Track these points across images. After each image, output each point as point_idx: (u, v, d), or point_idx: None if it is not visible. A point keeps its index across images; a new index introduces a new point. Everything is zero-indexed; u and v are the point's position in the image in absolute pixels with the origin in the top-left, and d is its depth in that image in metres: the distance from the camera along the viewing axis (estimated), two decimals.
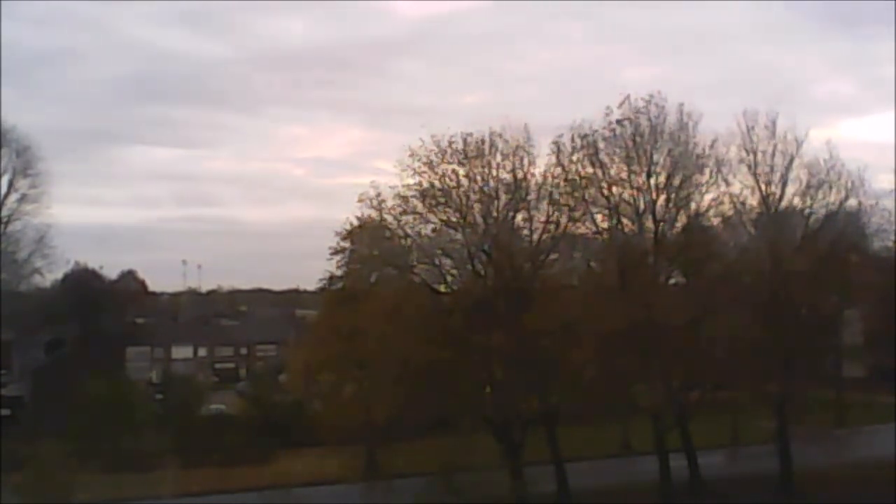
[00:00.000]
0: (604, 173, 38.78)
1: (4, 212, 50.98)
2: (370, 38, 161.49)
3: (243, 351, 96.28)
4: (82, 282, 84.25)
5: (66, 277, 79.68)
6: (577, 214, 39.05)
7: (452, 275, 39.61)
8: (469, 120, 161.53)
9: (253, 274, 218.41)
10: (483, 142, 37.80)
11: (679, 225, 40.63)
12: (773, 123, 40.80)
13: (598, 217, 39.50)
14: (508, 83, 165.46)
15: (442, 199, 37.86)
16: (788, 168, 41.19)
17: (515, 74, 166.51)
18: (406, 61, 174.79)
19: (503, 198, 38.33)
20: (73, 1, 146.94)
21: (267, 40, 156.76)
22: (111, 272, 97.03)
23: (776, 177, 41.26)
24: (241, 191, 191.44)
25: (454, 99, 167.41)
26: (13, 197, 51.22)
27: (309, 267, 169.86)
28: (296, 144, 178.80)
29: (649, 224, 39.29)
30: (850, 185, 41.55)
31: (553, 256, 40.04)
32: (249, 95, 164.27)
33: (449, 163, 37.75)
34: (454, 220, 38.05)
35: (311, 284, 58.58)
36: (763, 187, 41.32)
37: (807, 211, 42.11)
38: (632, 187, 38.94)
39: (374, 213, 38.08)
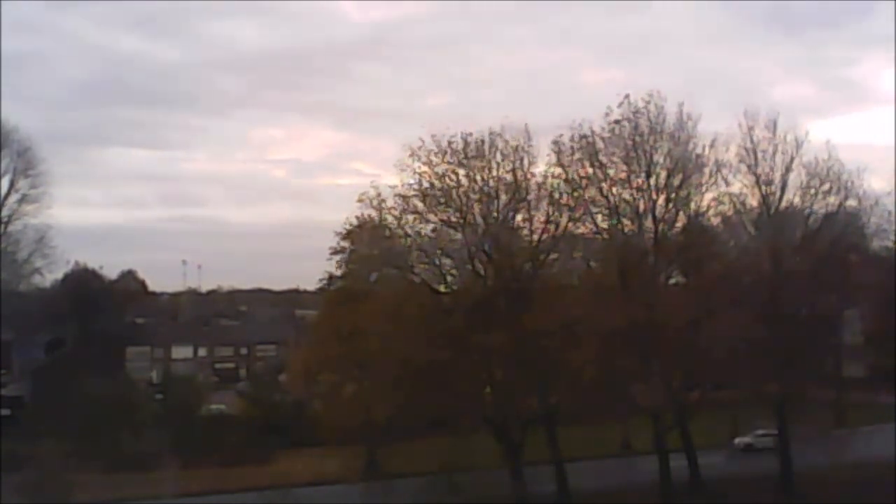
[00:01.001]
0: (604, 173, 38.78)
1: (5, 212, 51.07)
2: (326, 41, 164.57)
3: (243, 351, 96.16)
4: (82, 282, 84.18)
5: (66, 277, 79.67)
6: (577, 214, 39.09)
7: (452, 275, 39.65)
8: (436, 122, 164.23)
9: (253, 274, 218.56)
10: (483, 142, 37.89)
11: (679, 225, 40.63)
12: (774, 123, 40.87)
13: (598, 217, 39.51)
14: (469, 86, 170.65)
15: (442, 199, 37.91)
16: (788, 168, 41.22)
17: (475, 77, 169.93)
18: (365, 65, 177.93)
19: (503, 198, 38.37)
20: (31, 1, 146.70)
21: (223, 44, 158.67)
22: (111, 272, 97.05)
23: (776, 177, 41.31)
24: (223, 191, 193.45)
25: (419, 102, 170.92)
26: (14, 197, 51.33)
27: (297, 267, 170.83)
28: (271, 146, 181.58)
29: (649, 224, 39.30)
30: (849, 185, 41.63)
31: (553, 256, 40.08)
32: (216, 98, 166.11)
33: (449, 163, 37.84)
34: (454, 220, 38.08)
35: (311, 284, 58.71)
36: (763, 187, 41.34)
37: (806, 211, 42.14)
38: (632, 187, 38.95)
39: (374, 213, 38.18)
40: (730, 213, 42.16)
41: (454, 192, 37.84)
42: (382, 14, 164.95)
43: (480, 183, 38.06)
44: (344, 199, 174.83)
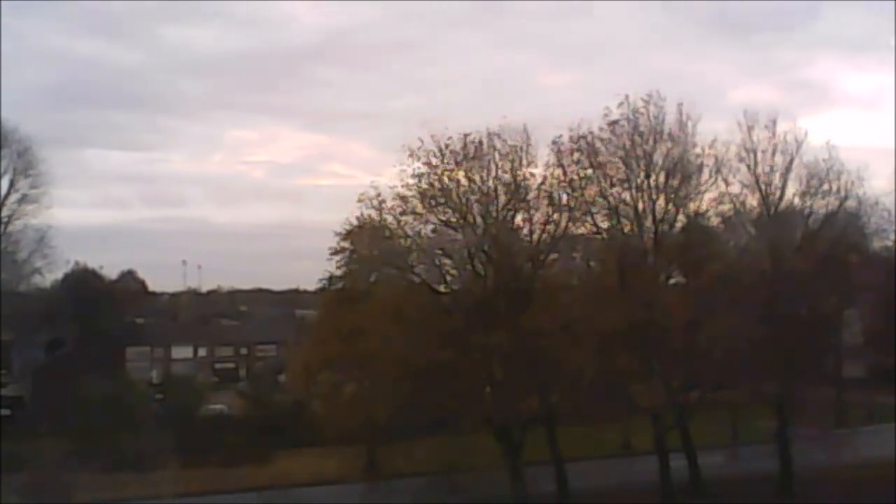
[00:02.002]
0: (603, 174, 38.78)
1: (5, 212, 51.18)
2: (285, 45, 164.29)
3: (243, 351, 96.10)
4: (82, 282, 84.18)
5: (66, 277, 79.71)
6: (576, 214, 39.07)
7: (452, 275, 39.60)
8: (405, 123, 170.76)
9: (253, 274, 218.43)
10: (482, 142, 37.82)
11: (679, 225, 40.64)
12: (773, 123, 40.89)
13: (598, 217, 39.53)
14: (432, 88, 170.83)
15: (442, 200, 37.87)
16: (788, 168, 41.25)
17: (435, 79, 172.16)
18: (326, 68, 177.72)
19: (503, 198, 38.33)
20: None
21: (182, 48, 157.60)
22: (111, 272, 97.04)
23: (776, 177, 41.32)
24: (205, 192, 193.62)
25: (384, 104, 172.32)
26: (14, 197, 51.44)
27: (291, 267, 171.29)
28: (245, 148, 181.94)
29: (649, 224, 39.30)
30: (850, 184, 41.65)
31: (553, 256, 40.05)
32: (183, 101, 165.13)
33: (448, 163, 37.79)
34: (454, 220, 38.05)
35: (310, 284, 58.74)
36: (763, 187, 41.35)
37: (807, 211, 42.16)
38: (631, 188, 38.95)
39: (373, 213, 38.17)
40: (730, 213, 42.16)
41: (453, 192, 37.82)
42: (337, 19, 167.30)
43: (480, 183, 38.03)
44: (330, 200, 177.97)
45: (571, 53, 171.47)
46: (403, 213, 37.93)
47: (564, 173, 38.69)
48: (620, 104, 38.21)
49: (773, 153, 40.97)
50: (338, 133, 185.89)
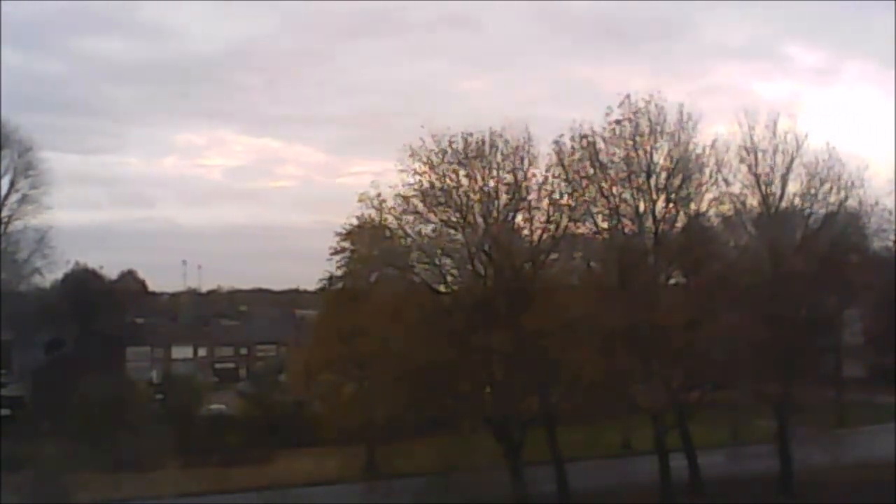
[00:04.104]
0: (604, 173, 38.77)
1: (5, 212, 51.23)
2: (195, 54, 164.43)
3: (243, 351, 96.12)
4: (82, 282, 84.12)
5: (66, 277, 79.69)
6: (577, 214, 39.07)
7: (452, 275, 39.64)
8: (348, 128, 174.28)
9: (253, 274, 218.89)
10: (483, 142, 37.85)
11: (679, 225, 40.62)
12: (774, 123, 40.86)
13: (598, 217, 39.50)
14: (356, 94, 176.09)
15: (442, 199, 37.89)
16: (788, 168, 41.22)
17: (356, 86, 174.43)
18: (245, 75, 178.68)
19: (503, 198, 38.35)
20: None
21: (96, 59, 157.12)
22: (111, 272, 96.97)
23: (776, 177, 41.30)
24: (167, 194, 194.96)
25: (316, 109, 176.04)
26: (14, 197, 51.48)
27: (276, 268, 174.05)
28: (197, 152, 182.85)
29: (649, 224, 39.27)
30: (850, 184, 41.65)
31: (553, 256, 40.04)
32: (117, 107, 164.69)
33: (449, 163, 37.79)
34: (454, 220, 38.06)
35: (309, 284, 58.77)
36: (763, 187, 41.34)
37: (807, 211, 42.12)
38: (632, 187, 38.93)
39: (374, 213, 38.19)
40: (730, 213, 42.19)
41: (454, 192, 37.83)
42: (238, 28, 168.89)
43: (481, 183, 38.05)
44: (297, 201, 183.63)
45: (477, 61, 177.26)
46: (404, 212, 38.01)
47: (565, 173, 38.70)
48: (621, 104, 38.24)
49: (773, 153, 41.01)
50: (281, 137, 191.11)
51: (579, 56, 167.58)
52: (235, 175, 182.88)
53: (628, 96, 38.25)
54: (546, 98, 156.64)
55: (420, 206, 37.88)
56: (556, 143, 38.66)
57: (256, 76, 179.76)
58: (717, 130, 40.54)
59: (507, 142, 38.04)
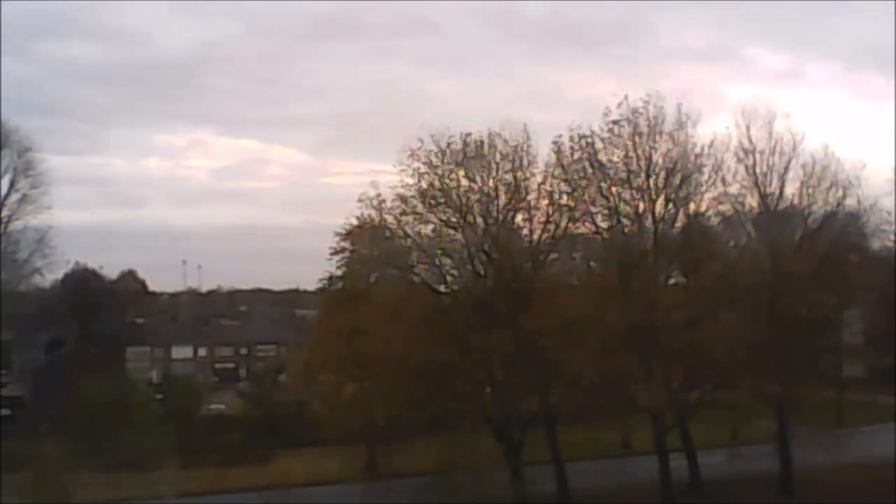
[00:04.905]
0: (603, 174, 38.79)
1: (5, 212, 51.11)
2: (163, 57, 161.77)
3: (243, 351, 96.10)
4: (82, 282, 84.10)
5: (66, 277, 79.65)
6: (577, 214, 39.10)
7: (452, 275, 39.66)
8: (326, 130, 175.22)
9: (253, 274, 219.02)
10: (482, 142, 37.88)
11: (678, 225, 40.64)
12: (771, 123, 40.90)
13: (598, 217, 39.53)
14: (331, 97, 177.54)
15: (442, 200, 37.92)
16: (787, 168, 41.28)
17: (330, 89, 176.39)
18: (215, 78, 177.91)
19: (503, 198, 38.38)
20: None
21: (65, 62, 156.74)
22: (111, 272, 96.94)
23: (775, 177, 41.36)
24: (155, 194, 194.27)
25: (293, 111, 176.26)
26: (14, 197, 51.35)
27: (275, 268, 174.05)
28: (179, 153, 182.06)
29: (649, 224, 39.28)
30: (848, 184, 41.67)
31: (553, 256, 40.07)
32: (93, 109, 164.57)
33: (449, 163, 37.82)
34: (454, 220, 38.10)
35: (310, 284, 58.78)
36: (762, 187, 41.39)
37: (806, 211, 42.16)
38: (631, 187, 38.95)
39: (373, 214, 38.21)
40: (729, 213, 42.22)
41: (454, 192, 37.86)
42: (202, 32, 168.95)
43: (480, 183, 38.09)
44: (285, 202, 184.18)
45: (443, 65, 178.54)
46: (404, 213, 38.03)
47: (565, 173, 38.72)
48: (620, 104, 38.27)
49: (772, 153, 41.04)
50: (262, 139, 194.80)
51: (542, 60, 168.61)
52: (221, 176, 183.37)
53: (626, 96, 38.36)
54: (515, 100, 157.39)
55: (419, 207, 37.91)
56: (556, 143, 38.76)
57: (226, 79, 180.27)
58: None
59: (506, 142, 38.13)
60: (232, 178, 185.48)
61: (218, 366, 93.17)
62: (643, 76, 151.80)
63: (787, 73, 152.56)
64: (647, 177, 38.80)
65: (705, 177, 39.89)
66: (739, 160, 40.85)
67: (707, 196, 40.67)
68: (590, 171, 38.69)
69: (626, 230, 39.47)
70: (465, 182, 37.94)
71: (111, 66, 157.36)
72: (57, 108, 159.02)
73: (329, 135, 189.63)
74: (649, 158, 38.66)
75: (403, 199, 37.66)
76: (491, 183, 38.12)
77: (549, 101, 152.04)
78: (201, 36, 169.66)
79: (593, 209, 39.23)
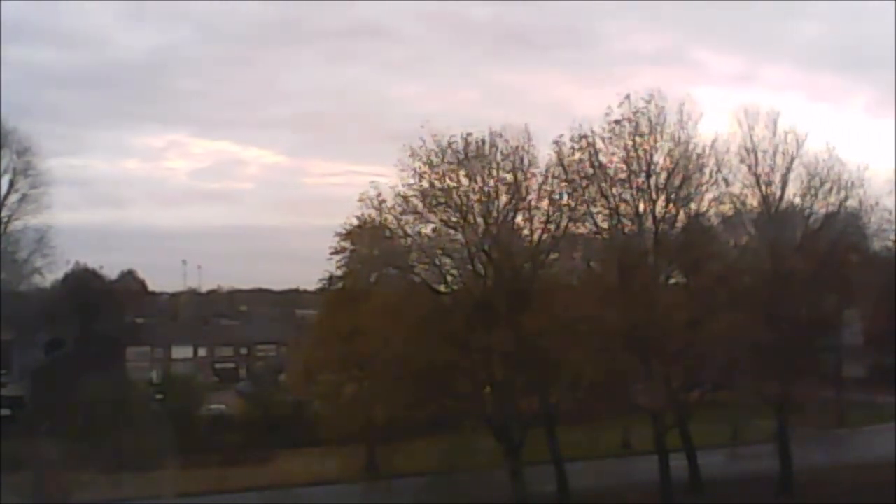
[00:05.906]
0: (604, 173, 38.78)
1: (5, 212, 51.20)
2: (122, 61, 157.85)
3: (243, 351, 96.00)
4: (82, 282, 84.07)
5: (66, 277, 79.67)
6: (576, 214, 39.08)
7: (452, 275, 39.62)
8: (301, 131, 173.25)
9: (253, 274, 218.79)
10: (483, 142, 37.85)
11: (679, 225, 40.63)
12: (774, 123, 40.93)
13: (598, 217, 39.50)
14: (296, 100, 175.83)
15: (442, 199, 37.87)
16: (789, 168, 41.29)
17: (294, 91, 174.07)
18: (184, 81, 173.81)
19: (503, 198, 38.34)
20: None
21: (25, 66, 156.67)
22: (111, 272, 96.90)
23: (776, 177, 41.36)
24: (138, 194, 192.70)
25: (262, 114, 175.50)
26: (14, 197, 51.44)
27: (275, 268, 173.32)
28: (158, 154, 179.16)
29: (649, 224, 39.26)
30: (850, 184, 41.67)
31: (553, 256, 40.05)
32: (63, 111, 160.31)
33: (449, 163, 37.78)
34: (454, 220, 38.05)
35: (310, 284, 58.74)
36: (763, 187, 41.39)
37: (807, 211, 42.18)
38: (632, 187, 38.94)
39: (374, 213, 38.19)
40: (730, 213, 42.22)
41: (454, 192, 37.81)
42: (154, 37, 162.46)
43: (480, 183, 38.05)
44: (266, 202, 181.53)
45: (400, 68, 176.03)
46: (404, 212, 37.99)
47: (565, 173, 38.71)
48: (621, 104, 38.25)
49: (774, 153, 41.04)
50: (237, 140, 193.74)
51: (499, 64, 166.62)
52: (200, 176, 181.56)
53: (628, 96, 38.33)
54: (480, 103, 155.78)
55: (420, 207, 37.87)
56: (556, 143, 38.74)
57: (191, 82, 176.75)
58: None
59: (506, 142, 38.09)
60: (212, 179, 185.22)
61: (218, 366, 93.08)
62: (597, 80, 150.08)
63: (741, 76, 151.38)
64: (648, 177, 38.79)
65: (706, 177, 39.97)
66: (741, 160, 40.94)
67: (708, 196, 40.78)
68: (590, 170, 38.69)
69: (627, 230, 39.45)
70: (465, 182, 37.90)
71: (70, 69, 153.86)
72: (26, 111, 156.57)
73: (304, 137, 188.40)
74: (650, 158, 38.67)
75: (404, 198, 37.64)
76: (491, 183, 38.10)
77: (514, 104, 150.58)
78: (163, 39, 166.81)
79: (594, 209, 39.22)
